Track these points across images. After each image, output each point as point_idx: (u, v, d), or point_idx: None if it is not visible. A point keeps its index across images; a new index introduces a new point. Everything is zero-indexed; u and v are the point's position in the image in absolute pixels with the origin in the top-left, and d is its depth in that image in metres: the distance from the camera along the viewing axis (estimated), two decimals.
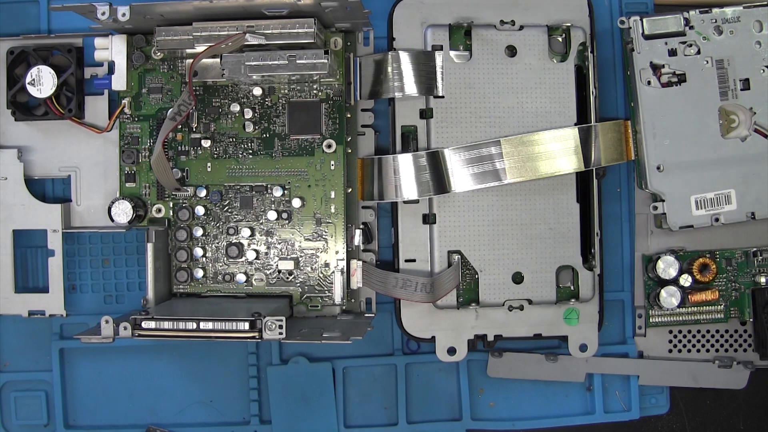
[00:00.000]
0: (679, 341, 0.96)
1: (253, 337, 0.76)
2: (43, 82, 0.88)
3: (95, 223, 0.92)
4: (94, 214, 0.92)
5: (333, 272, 0.88)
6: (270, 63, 0.82)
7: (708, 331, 0.96)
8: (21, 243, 0.93)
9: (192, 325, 0.76)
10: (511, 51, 0.90)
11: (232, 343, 0.95)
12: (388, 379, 0.96)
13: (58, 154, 0.92)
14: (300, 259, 0.88)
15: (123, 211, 0.87)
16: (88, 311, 0.95)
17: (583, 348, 0.91)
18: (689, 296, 0.93)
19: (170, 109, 0.85)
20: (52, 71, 0.88)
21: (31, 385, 0.95)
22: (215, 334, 0.76)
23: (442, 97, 0.89)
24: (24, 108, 0.91)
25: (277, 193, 0.87)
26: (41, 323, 0.94)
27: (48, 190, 0.94)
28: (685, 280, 0.93)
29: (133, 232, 0.93)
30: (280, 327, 0.75)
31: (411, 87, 0.88)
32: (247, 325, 0.76)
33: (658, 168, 0.90)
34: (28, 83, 0.88)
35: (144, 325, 0.77)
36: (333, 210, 0.87)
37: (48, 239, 0.91)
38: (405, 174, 0.87)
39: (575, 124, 0.90)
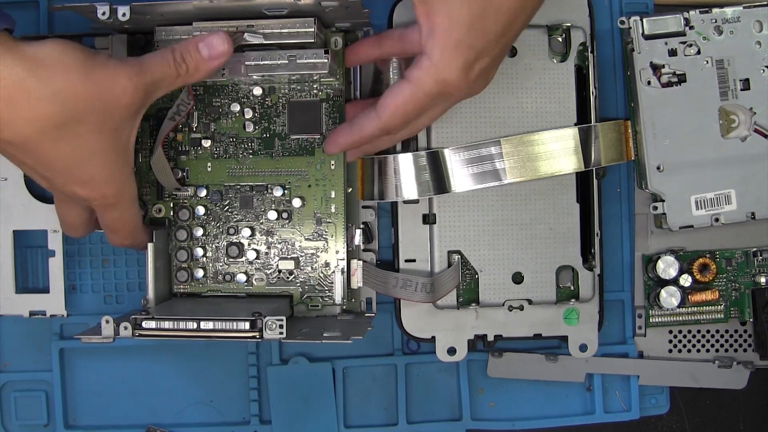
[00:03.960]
0: (679, 341, 0.96)
1: (254, 337, 0.76)
2: None
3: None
4: None
5: (333, 272, 0.88)
6: (270, 63, 0.82)
7: (708, 331, 0.96)
8: (21, 243, 0.93)
9: (192, 325, 0.76)
10: (511, 51, 0.90)
11: (232, 343, 0.95)
12: (388, 379, 0.96)
13: None
14: (300, 258, 0.88)
15: None
16: (88, 311, 0.95)
17: (583, 348, 0.91)
18: (689, 296, 0.93)
19: (170, 109, 0.85)
20: None
21: (31, 385, 0.95)
22: (216, 333, 0.76)
23: None
24: None
25: (278, 192, 0.87)
26: (41, 323, 0.94)
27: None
28: (685, 280, 0.93)
29: None
30: (281, 327, 0.75)
31: None
32: (247, 325, 0.76)
33: (658, 168, 0.90)
34: None
35: (144, 324, 0.77)
36: (333, 210, 0.87)
37: (48, 239, 0.91)
38: (405, 174, 0.87)
39: (575, 124, 0.90)
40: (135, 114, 0.75)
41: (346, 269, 0.88)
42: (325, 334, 0.79)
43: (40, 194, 0.92)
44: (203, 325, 0.76)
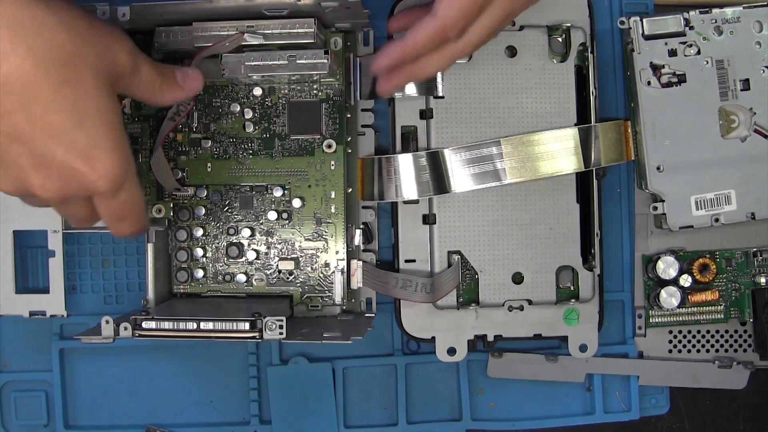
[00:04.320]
0: (679, 341, 0.96)
1: (254, 337, 0.76)
2: None
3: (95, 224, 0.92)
4: None
5: (333, 272, 0.88)
6: (270, 63, 0.82)
7: (708, 332, 0.96)
8: (21, 243, 0.93)
9: (192, 325, 0.76)
10: (511, 51, 0.90)
11: (232, 344, 0.95)
12: (388, 379, 0.96)
13: None
14: (300, 259, 0.88)
15: None
16: (88, 311, 0.95)
17: (583, 348, 0.91)
18: (689, 296, 0.93)
19: (170, 109, 0.85)
20: None
21: (31, 385, 0.96)
22: (215, 334, 0.76)
23: (442, 97, 0.89)
24: None
25: (277, 193, 0.88)
26: (41, 323, 0.94)
27: None
28: (685, 281, 0.93)
29: None
30: (281, 327, 0.75)
31: (411, 87, 0.88)
32: (247, 325, 0.76)
33: (658, 168, 0.90)
34: None
35: (144, 325, 0.77)
36: (333, 210, 0.88)
37: (48, 240, 0.91)
38: (405, 174, 0.87)
39: (575, 125, 0.90)
40: (117, 82, 0.69)
41: (346, 269, 0.88)
42: (325, 335, 0.79)
43: None
44: (203, 325, 0.76)
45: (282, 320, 0.76)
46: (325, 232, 0.88)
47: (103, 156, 0.66)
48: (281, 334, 0.76)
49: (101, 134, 0.66)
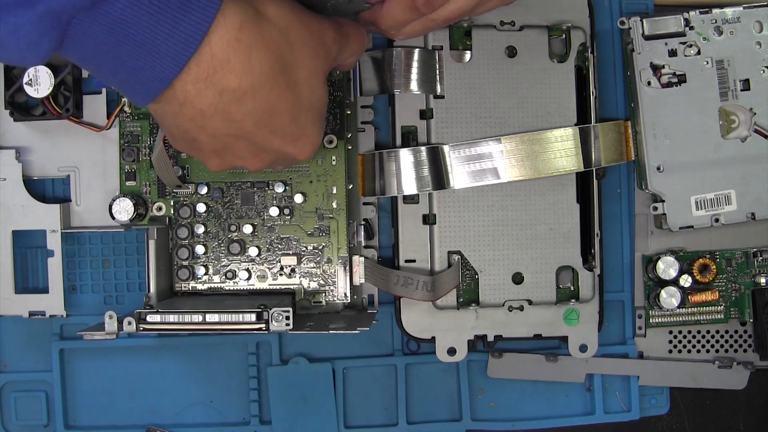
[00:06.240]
0: (679, 342, 0.96)
1: (260, 329, 0.76)
2: (40, 81, 0.88)
3: (95, 223, 0.92)
4: (93, 213, 0.92)
5: (335, 268, 0.88)
6: None
7: (708, 332, 0.97)
8: (20, 243, 0.93)
9: (198, 318, 0.76)
10: (511, 51, 0.90)
11: (232, 344, 0.94)
12: (388, 379, 0.96)
13: (56, 153, 0.92)
14: (302, 254, 0.88)
15: (124, 209, 0.87)
16: (88, 311, 0.94)
17: (583, 348, 0.91)
18: (689, 297, 0.93)
19: None
20: (49, 71, 0.88)
21: (31, 386, 0.95)
22: (221, 326, 0.76)
23: (443, 97, 0.89)
24: (22, 108, 0.91)
25: (279, 189, 0.88)
26: (41, 323, 0.94)
27: (47, 190, 0.93)
28: (685, 281, 0.93)
29: (133, 232, 0.93)
30: (287, 318, 0.75)
31: (411, 84, 0.88)
32: (253, 317, 0.76)
33: (658, 168, 0.90)
34: (26, 83, 0.87)
35: (149, 318, 0.77)
36: (335, 205, 0.88)
37: (47, 239, 0.91)
38: (405, 169, 0.87)
39: (575, 125, 0.90)
40: (330, 67, 0.74)
41: (348, 265, 0.88)
42: (331, 326, 0.79)
43: (40, 194, 0.92)
44: (209, 318, 0.76)
45: (288, 311, 0.76)
46: (327, 227, 0.88)
47: (309, 139, 0.73)
48: (288, 325, 0.76)
49: (310, 123, 0.72)
